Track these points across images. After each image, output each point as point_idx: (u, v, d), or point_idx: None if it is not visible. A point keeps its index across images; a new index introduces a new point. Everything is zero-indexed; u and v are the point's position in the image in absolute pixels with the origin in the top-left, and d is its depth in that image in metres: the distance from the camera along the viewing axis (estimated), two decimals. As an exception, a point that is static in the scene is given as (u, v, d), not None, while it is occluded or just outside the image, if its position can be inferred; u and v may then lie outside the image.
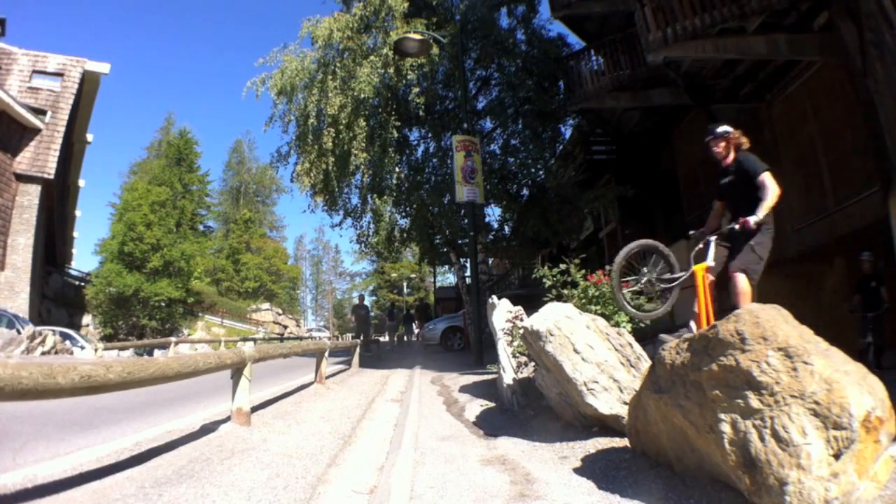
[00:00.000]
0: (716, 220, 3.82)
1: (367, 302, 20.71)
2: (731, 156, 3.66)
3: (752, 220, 3.24)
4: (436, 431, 3.30)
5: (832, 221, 8.09)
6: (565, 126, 12.89)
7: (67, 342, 13.32)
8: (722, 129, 3.66)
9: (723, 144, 3.66)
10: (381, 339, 19.12)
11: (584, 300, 4.24)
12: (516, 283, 19.76)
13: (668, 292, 3.55)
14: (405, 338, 20.96)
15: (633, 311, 3.51)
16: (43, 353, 10.73)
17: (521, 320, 4.43)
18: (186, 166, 34.24)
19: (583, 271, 4.43)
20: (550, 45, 11.90)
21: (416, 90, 10.51)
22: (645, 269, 3.49)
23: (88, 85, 19.02)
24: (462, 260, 13.10)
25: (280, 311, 38.41)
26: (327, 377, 6.61)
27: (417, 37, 9.21)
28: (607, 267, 4.34)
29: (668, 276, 3.51)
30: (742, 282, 3.31)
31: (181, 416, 3.87)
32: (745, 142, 3.65)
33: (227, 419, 3.41)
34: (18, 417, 3.31)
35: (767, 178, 3.41)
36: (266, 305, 37.08)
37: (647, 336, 4.41)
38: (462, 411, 4.25)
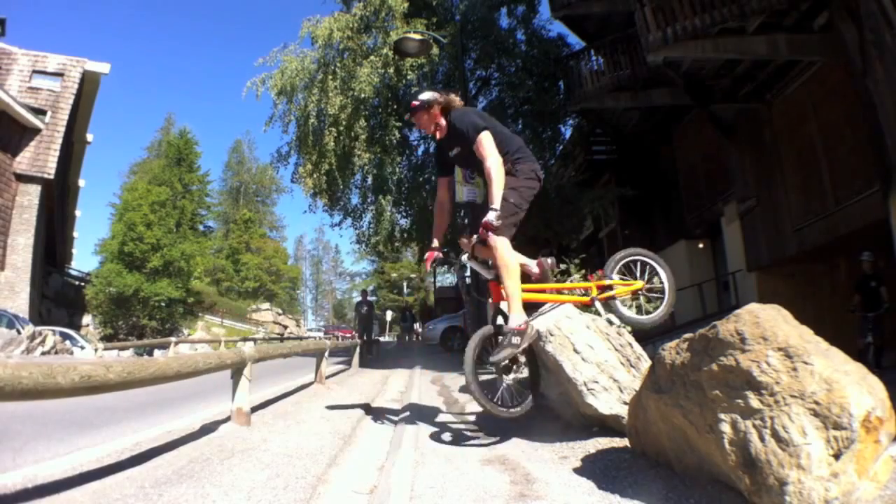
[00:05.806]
0: (443, 217, 3.16)
1: (371, 298, 20.72)
2: (443, 122, 2.91)
3: (491, 218, 2.52)
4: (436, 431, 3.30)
5: (832, 221, 8.09)
6: (565, 126, 12.88)
7: (67, 342, 13.32)
8: (420, 99, 2.92)
9: (425, 118, 2.93)
10: (381, 338, 19.16)
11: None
12: (516, 283, 19.77)
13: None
14: (406, 337, 21.02)
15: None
16: (43, 353, 10.73)
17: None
18: (186, 166, 34.20)
19: (583, 271, 4.42)
20: (550, 45, 11.89)
21: (416, 90, 10.51)
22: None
23: (88, 85, 19.03)
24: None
25: (280, 312, 38.47)
26: (327, 377, 6.61)
27: (417, 37, 9.21)
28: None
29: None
30: (497, 244, 2.55)
31: (181, 416, 3.87)
32: (454, 100, 2.92)
33: (227, 419, 3.41)
34: (18, 417, 3.31)
35: (484, 146, 2.66)
36: (266, 305, 37.15)
37: (646, 336, 4.41)
38: (462, 411, 4.25)
